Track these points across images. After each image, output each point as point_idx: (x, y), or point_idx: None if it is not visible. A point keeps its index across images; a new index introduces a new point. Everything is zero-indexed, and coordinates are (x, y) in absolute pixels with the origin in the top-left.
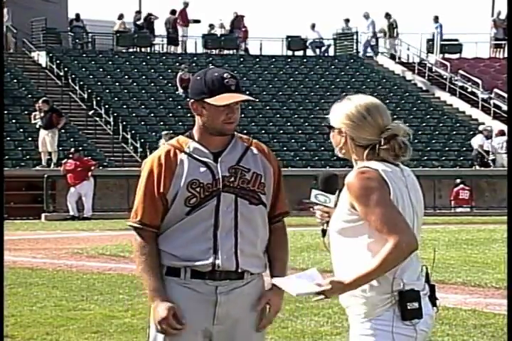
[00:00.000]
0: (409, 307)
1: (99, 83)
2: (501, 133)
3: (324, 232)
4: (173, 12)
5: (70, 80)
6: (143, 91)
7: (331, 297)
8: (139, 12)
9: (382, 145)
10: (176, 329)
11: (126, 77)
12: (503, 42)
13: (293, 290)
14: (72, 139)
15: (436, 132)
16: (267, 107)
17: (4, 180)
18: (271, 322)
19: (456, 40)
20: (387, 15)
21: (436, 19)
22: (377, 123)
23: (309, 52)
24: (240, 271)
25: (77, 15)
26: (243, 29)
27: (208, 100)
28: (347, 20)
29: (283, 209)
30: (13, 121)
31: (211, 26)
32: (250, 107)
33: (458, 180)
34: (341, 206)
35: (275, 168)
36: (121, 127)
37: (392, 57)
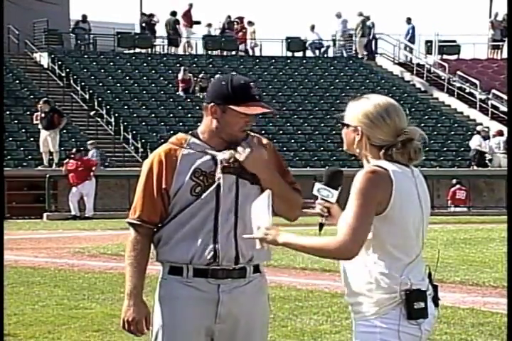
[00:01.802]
0: (415, 307)
1: (100, 84)
2: (499, 133)
3: (321, 226)
4: (173, 13)
5: (71, 81)
6: (144, 92)
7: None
8: (143, 14)
9: (398, 149)
10: (140, 333)
11: (128, 77)
12: (500, 43)
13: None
14: (73, 139)
15: (435, 132)
16: None
17: (6, 179)
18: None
19: (454, 41)
20: (361, 15)
21: (408, 20)
22: (395, 125)
23: (309, 53)
24: (239, 255)
25: (84, 16)
26: (243, 30)
27: (233, 106)
28: (345, 21)
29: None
30: (15, 121)
31: (209, 26)
32: None
33: (454, 181)
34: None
35: (274, 155)
36: (122, 127)
37: (371, 56)
